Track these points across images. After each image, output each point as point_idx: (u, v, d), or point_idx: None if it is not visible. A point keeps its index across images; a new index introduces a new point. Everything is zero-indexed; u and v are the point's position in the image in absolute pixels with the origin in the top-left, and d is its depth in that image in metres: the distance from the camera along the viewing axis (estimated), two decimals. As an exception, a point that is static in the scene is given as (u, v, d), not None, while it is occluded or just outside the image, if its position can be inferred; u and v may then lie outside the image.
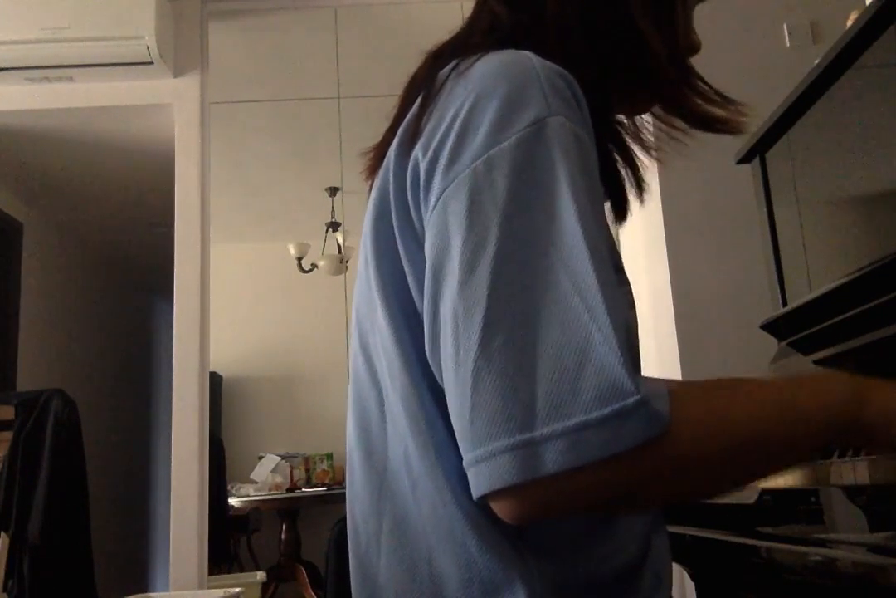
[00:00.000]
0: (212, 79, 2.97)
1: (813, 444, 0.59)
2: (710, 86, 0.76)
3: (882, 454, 0.62)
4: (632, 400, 0.49)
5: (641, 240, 2.54)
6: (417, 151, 0.63)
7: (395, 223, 0.65)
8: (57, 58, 2.72)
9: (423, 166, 0.62)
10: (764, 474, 0.61)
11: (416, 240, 0.63)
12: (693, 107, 0.75)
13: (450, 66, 0.67)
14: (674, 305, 2.25)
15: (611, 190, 0.77)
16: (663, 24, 0.73)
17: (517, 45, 0.65)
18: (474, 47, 0.68)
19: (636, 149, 0.80)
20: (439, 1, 3.07)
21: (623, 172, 0.78)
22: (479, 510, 0.58)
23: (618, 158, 0.78)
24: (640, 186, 0.79)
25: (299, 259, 4.66)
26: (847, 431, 0.59)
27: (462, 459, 0.54)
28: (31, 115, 2.95)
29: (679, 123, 0.77)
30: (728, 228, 2.23)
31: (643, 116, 0.81)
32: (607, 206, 0.78)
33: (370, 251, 0.68)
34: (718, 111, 0.75)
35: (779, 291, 1.40)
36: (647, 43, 0.71)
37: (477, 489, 0.53)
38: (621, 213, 0.79)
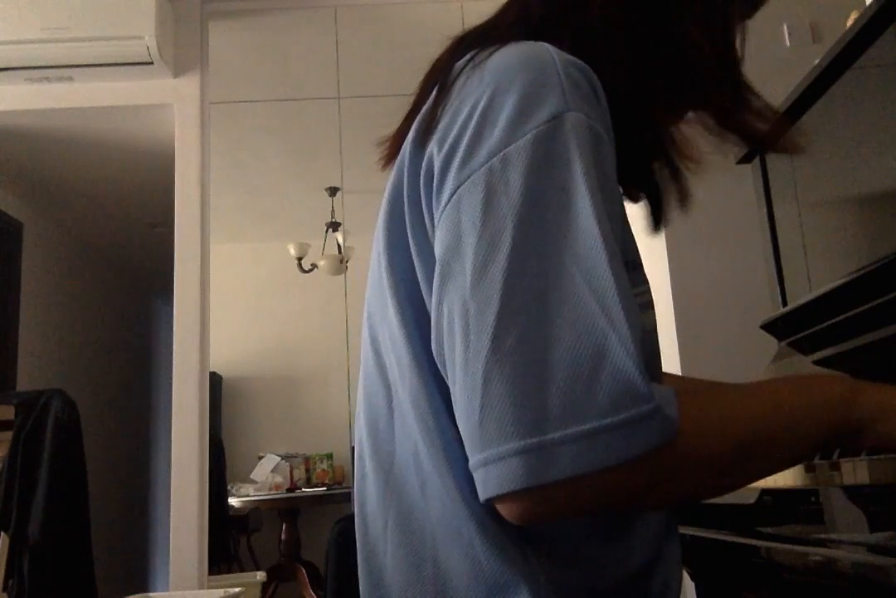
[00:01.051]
0: (212, 79, 2.97)
1: (811, 441, 0.59)
2: (763, 101, 0.71)
3: (877, 452, 0.62)
4: (647, 407, 0.49)
5: (641, 240, 2.54)
6: (432, 146, 0.62)
7: (407, 220, 0.64)
8: (57, 58, 2.72)
9: (437, 162, 0.60)
10: (766, 473, 0.62)
11: (428, 237, 0.62)
12: (742, 123, 0.71)
13: (466, 57, 0.65)
14: (674, 305, 2.25)
15: (648, 198, 0.75)
16: (717, 34, 0.69)
17: (541, 39, 0.63)
18: (494, 38, 0.66)
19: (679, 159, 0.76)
20: (439, 1, 3.07)
21: (660, 179, 0.74)
22: (487, 511, 0.58)
23: (661, 165, 0.74)
24: (683, 195, 0.74)
25: (299, 259, 4.65)
26: (842, 426, 0.59)
27: None
28: (31, 115, 2.95)
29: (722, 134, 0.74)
30: (728, 228, 2.23)
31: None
32: (640, 212, 0.76)
33: (382, 247, 0.67)
34: (764, 127, 0.71)
35: (779, 291, 1.40)
36: (697, 54, 0.68)
37: (484, 492, 0.52)
38: (657, 222, 0.76)
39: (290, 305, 5.38)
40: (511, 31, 0.69)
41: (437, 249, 0.59)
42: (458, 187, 0.58)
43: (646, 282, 0.68)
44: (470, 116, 0.60)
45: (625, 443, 0.49)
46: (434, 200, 0.61)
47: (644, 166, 0.73)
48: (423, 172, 0.62)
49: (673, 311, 2.25)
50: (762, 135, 0.71)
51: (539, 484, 0.49)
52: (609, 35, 0.67)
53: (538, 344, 0.51)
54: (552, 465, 0.49)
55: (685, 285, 2.26)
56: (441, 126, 0.62)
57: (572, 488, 0.50)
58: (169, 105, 2.89)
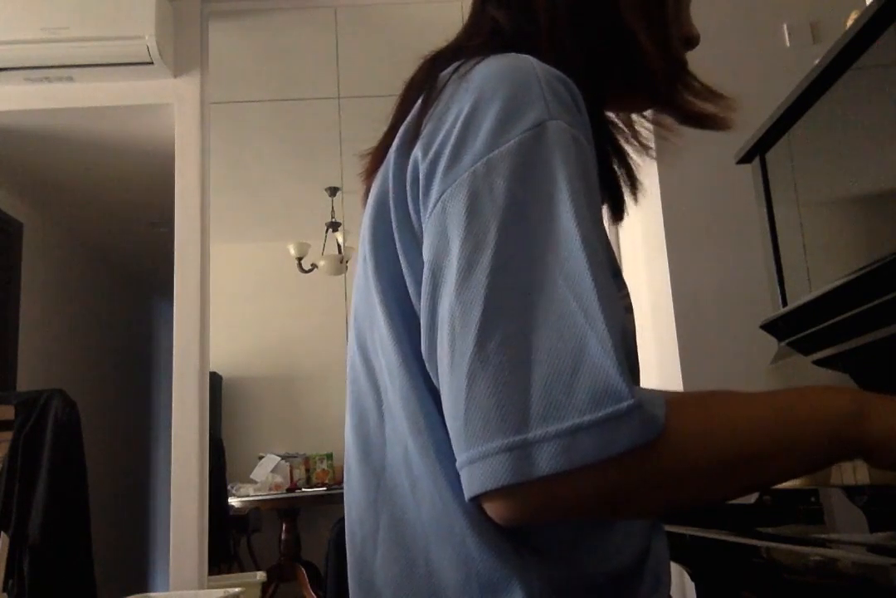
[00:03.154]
0: (212, 79, 2.97)
1: (810, 459, 0.58)
2: (700, 82, 0.76)
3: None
4: (625, 404, 0.49)
5: (641, 240, 2.54)
6: (417, 152, 0.63)
7: (394, 224, 0.65)
8: (57, 58, 2.72)
9: (422, 168, 0.62)
10: (759, 487, 0.61)
11: (415, 241, 0.63)
12: (684, 104, 0.75)
13: (451, 68, 0.67)
14: (674, 305, 2.25)
15: (608, 190, 0.77)
16: (654, 20, 0.72)
17: (517, 50, 0.66)
18: (475, 50, 0.69)
19: (630, 149, 0.80)
20: (439, 1, 3.07)
21: (618, 171, 0.78)
22: (479, 510, 0.58)
23: (613, 158, 0.78)
24: (633, 185, 0.79)
25: (299, 259, 4.66)
26: (845, 447, 0.58)
27: None
28: (31, 115, 2.95)
29: (668, 120, 0.77)
30: (728, 228, 2.23)
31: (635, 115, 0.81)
32: (604, 207, 0.78)
33: (368, 251, 0.68)
34: (709, 107, 0.75)
35: (779, 291, 1.40)
36: (636, 40, 0.71)
37: (469, 490, 0.53)
38: (618, 213, 0.79)
39: (290, 305, 5.39)
40: (489, 44, 0.71)
41: (426, 254, 0.60)
42: (444, 192, 0.59)
43: (624, 287, 0.69)
44: (454, 123, 0.61)
45: (605, 440, 0.49)
46: (421, 204, 0.62)
47: (605, 160, 0.76)
48: (408, 177, 0.64)
49: (673, 311, 2.25)
50: (700, 114, 0.75)
51: (521, 481, 0.50)
52: (556, 33, 0.70)
53: (521, 345, 0.52)
54: (534, 462, 0.50)
55: (685, 285, 2.26)
56: (426, 132, 0.63)
57: (554, 486, 0.51)
58: (169, 105, 2.89)
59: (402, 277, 0.64)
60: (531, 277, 0.54)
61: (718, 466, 0.55)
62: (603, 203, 0.76)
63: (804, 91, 1.23)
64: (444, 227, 0.58)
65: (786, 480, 0.61)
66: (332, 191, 4.73)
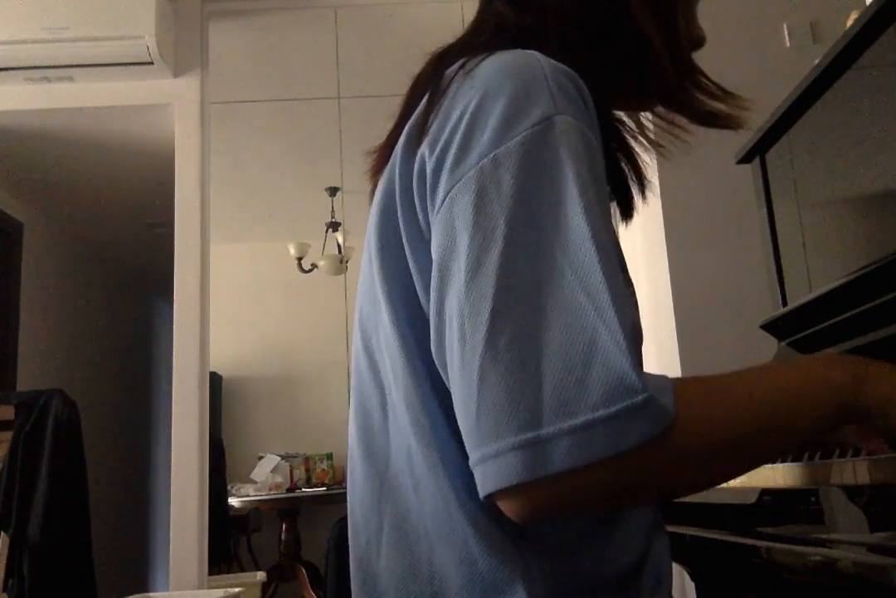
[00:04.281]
0: (212, 79, 2.97)
1: (814, 426, 0.59)
2: (712, 81, 0.75)
3: (881, 439, 0.62)
4: (640, 398, 0.49)
5: (641, 240, 2.54)
6: (424, 149, 0.63)
7: (400, 221, 0.65)
8: (57, 58, 2.72)
9: (429, 165, 0.62)
10: (767, 460, 0.62)
11: (422, 238, 0.63)
12: (695, 103, 0.74)
13: (457, 65, 0.67)
14: (674, 305, 2.25)
15: (615, 188, 0.77)
16: (663, 19, 0.72)
17: (523, 46, 0.65)
18: (480, 47, 0.68)
19: (638, 147, 0.80)
20: (439, 1, 3.07)
21: (626, 169, 0.78)
22: (482, 510, 0.58)
23: (620, 156, 0.77)
24: (642, 184, 0.79)
25: (299, 259, 4.66)
26: (845, 413, 0.59)
27: (465, 458, 0.54)
28: (31, 115, 2.95)
29: (679, 119, 0.77)
30: (728, 228, 2.23)
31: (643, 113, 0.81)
32: (613, 205, 0.78)
33: (374, 249, 0.68)
34: (720, 106, 0.74)
35: (779, 291, 1.40)
36: (646, 39, 0.70)
37: (483, 488, 0.53)
38: (627, 211, 0.79)
39: (290, 305, 5.39)
40: (494, 40, 0.71)
41: (434, 252, 0.60)
42: (451, 189, 0.59)
43: (631, 284, 0.69)
44: (460, 119, 0.61)
45: (618, 435, 0.49)
46: (428, 202, 0.62)
47: (612, 158, 0.75)
48: (415, 175, 0.63)
49: (673, 311, 2.25)
50: (711, 113, 0.74)
51: (535, 478, 0.50)
52: (565, 30, 0.70)
53: (531, 341, 0.52)
54: (547, 459, 0.49)
55: (685, 285, 2.26)
56: (432, 130, 0.63)
57: (569, 482, 0.51)
58: (169, 105, 2.89)
59: (409, 275, 0.64)
60: (540, 272, 0.54)
61: (726, 446, 0.55)
62: (611, 202, 0.76)
63: (804, 91, 1.23)
64: (451, 224, 0.58)
65: (791, 449, 0.61)
66: (332, 191, 4.73)
